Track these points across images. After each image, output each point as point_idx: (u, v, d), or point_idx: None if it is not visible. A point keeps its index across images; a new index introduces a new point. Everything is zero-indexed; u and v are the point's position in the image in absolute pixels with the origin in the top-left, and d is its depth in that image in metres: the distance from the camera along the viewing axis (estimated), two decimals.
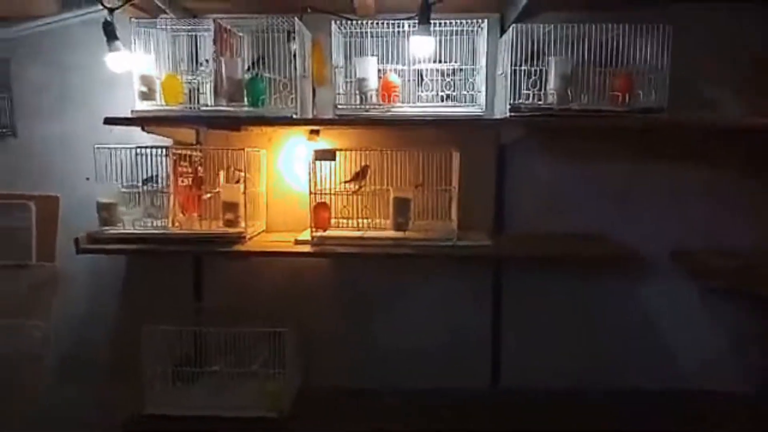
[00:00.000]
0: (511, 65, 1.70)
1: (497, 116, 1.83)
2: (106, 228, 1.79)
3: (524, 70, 1.71)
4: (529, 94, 1.71)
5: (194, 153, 1.88)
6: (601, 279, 2.05)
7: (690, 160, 1.99)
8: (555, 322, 2.07)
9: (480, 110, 1.76)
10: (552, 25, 1.71)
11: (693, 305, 2.05)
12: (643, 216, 2.01)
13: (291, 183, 2.04)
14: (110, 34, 1.72)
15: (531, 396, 2.00)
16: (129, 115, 1.71)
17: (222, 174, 1.85)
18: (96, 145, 1.80)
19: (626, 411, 1.93)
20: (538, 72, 1.72)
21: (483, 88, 1.76)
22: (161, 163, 1.83)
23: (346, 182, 1.86)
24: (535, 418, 1.89)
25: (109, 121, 1.69)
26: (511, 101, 1.69)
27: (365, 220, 1.88)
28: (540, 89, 1.72)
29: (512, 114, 1.69)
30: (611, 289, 2.06)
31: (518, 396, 2.02)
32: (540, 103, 1.71)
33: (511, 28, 1.69)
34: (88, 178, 1.90)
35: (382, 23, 1.76)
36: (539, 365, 2.07)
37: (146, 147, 1.81)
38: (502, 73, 1.78)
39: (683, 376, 2.07)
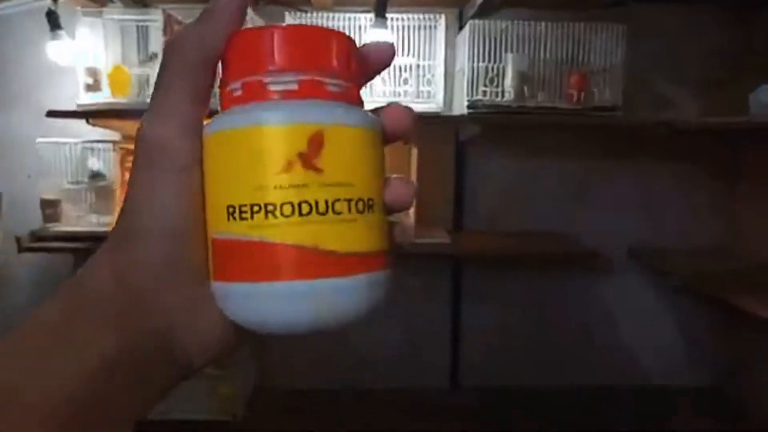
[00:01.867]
0: (469, 61, 1.68)
1: (455, 113, 1.81)
2: (50, 225, 1.72)
3: (482, 67, 1.70)
4: (486, 91, 1.70)
5: None
6: (560, 276, 2.06)
7: (649, 158, 2.00)
8: (515, 321, 2.07)
9: (437, 107, 1.74)
10: (510, 22, 1.70)
11: (651, 303, 2.07)
12: (604, 213, 2.02)
13: None
14: (54, 23, 1.65)
15: (490, 395, 2.00)
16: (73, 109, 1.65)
17: None
18: (38, 140, 1.73)
19: (587, 408, 1.94)
20: (495, 69, 1.71)
21: (441, 85, 1.75)
22: (108, 158, 1.76)
23: None
24: (495, 417, 1.88)
25: (52, 114, 1.61)
26: (469, 98, 1.68)
27: None
28: (497, 86, 1.71)
29: (469, 111, 1.67)
30: (571, 287, 2.07)
31: (477, 395, 2.01)
32: (497, 100, 1.70)
33: (468, 24, 1.68)
34: (29, 176, 1.81)
35: (338, 17, 1.72)
36: (499, 364, 2.07)
37: (92, 141, 1.75)
38: (459, 70, 1.76)
39: (640, 371, 2.09)
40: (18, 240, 1.65)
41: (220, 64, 0.32)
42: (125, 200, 0.31)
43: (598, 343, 2.08)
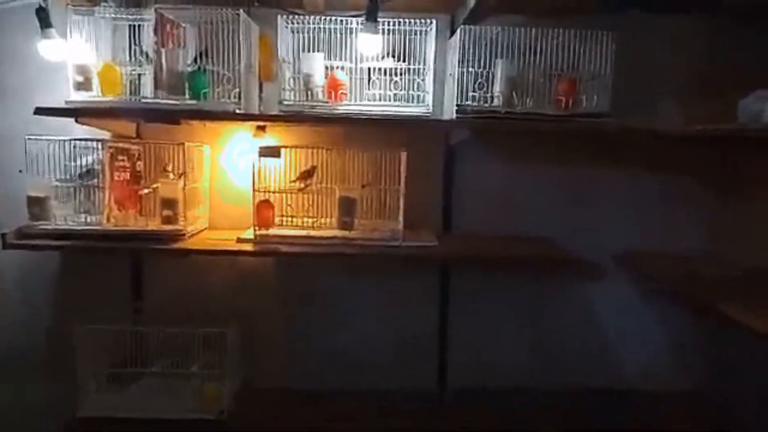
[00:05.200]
0: (459, 66, 1.69)
1: (445, 117, 1.82)
2: (37, 223, 1.71)
3: (472, 72, 1.71)
4: (475, 96, 1.71)
5: (132, 147, 1.81)
6: (546, 281, 2.08)
7: (635, 165, 2.03)
8: (501, 323, 2.08)
9: (427, 110, 1.75)
10: (500, 28, 1.71)
11: (635, 307, 2.09)
12: (592, 219, 2.04)
13: (235, 180, 1.99)
14: (44, 20, 1.64)
15: (478, 397, 2.02)
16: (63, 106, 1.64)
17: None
18: (27, 136, 1.72)
19: (571, 410, 1.97)
20: (485, 74, 1.72)
21: (431, 89, 1.75)
22: (98, 156, 1.76)
23: (292, 182, 1.83)
24: (482, 418, 1.90)
25: (41, 111, 1.60)
26: (458, 102, 1.69)
27: (310, 219, 1.85)
28: (487, 91, 1.72)
29: (458, 115, 1.68)
30: (557, 291, 2.08)
31: (465, 397, 2.02)
32: (486, 105, 1.71)
33: (459, 30, 1.69)
34: (21, 171, 1.80)
35: (330, 19, 1.73)
36: (486, 366, 2.08)
37: (81, 139, 1.74)
38: (450, 74, 1.77)
39: (626, 375, 2.11)
40: (3, 237, 1.64)
41: None
42: None
43: (584, 346, 2.10)
